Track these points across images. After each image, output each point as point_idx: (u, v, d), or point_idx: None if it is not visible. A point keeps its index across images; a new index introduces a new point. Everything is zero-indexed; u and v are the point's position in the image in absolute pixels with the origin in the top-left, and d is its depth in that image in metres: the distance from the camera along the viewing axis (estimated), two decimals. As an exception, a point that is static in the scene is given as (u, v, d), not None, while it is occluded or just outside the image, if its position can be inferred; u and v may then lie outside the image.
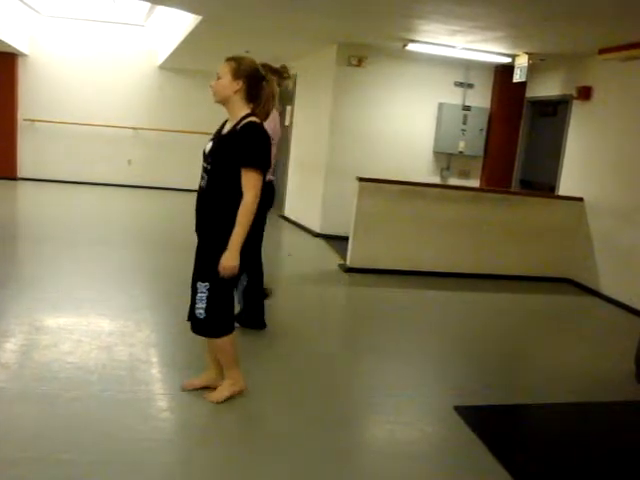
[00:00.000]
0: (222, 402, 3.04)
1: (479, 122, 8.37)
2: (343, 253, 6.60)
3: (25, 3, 10.47)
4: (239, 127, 2.76)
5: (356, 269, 6.25)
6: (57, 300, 4.60)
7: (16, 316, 4.16)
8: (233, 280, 2.89)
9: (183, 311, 4.51)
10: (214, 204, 2.85)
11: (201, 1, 6.62)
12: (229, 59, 2.87)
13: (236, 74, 2.81)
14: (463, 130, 8.33)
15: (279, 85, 3.83)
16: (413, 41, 7.07)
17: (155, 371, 3.54)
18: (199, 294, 2.88)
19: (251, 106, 2.85)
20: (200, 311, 2.89)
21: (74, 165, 11.91)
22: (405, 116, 8.24)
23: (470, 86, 8.41)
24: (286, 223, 9.37)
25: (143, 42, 11.84)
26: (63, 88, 11.80)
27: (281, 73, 3.81)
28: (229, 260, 2.74)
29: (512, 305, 5.95)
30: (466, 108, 8.33)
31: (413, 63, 8.09)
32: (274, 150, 3.86)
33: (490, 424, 3.25)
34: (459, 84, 8.38)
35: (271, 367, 3.71)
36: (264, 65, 3.67)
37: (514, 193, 7.57)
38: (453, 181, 8.42)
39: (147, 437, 2.74)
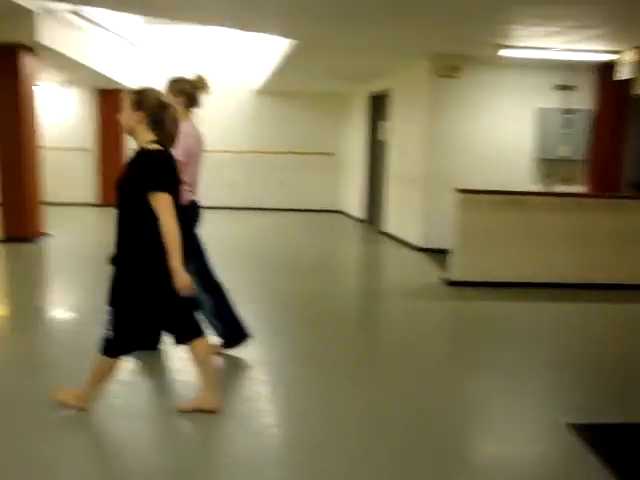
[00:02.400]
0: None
1: (581, 125, 8.05)
2: (445, 266, 6.52)
3: (131, 42, 11.16)
4: (135, 156, 2.86)
5: (459, 282, 6.15)
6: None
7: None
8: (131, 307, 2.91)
9: (286, 332, 4.66)
10: (121, 231, 2.90)
11: (295, 26, 6.81)
12: (130, 92, 2.96)
13: (136, 106, 2.87)
14: (565, 134, 8.04)
15: (195, 94, 3.95)
16: (507, 46, 6.93)
17: (264, 389, 3.62)
18: (108, 315, 2.92)
19: (156, 134, 2.88)
20: (106, 331, 2.92)
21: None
22: (502, 124, 8.07)
23: (570, 88, 8.10)
24: (386, 238, 9.37)
25: (240, 68, 12.29)
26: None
27: (195, 83, 3.91)
28: (179, 281, 2.79)
29: (627, 317, 5.63)
30: (567, 111, 8.04)
31: (508, 69, 7.92)
32: (194, 167, 3.89)
33: (611, 445, 3.05)
34: (558, 87, 8.10)
35: (374, 385, 3.70)
36: (178, 80, 3.89)
37: (626, 197, 7.19)
38: (557, 188, 8.12)
39: (257, 454, 2.81)
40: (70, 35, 8.56)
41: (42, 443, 2.80)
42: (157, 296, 2.91)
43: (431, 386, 3.70)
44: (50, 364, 3.88)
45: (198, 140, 3.89)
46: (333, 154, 12.57)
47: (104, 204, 11.55)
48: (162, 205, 2.76)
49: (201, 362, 3.11)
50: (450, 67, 7.79)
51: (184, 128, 3.71)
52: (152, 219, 2.77)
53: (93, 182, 12.07)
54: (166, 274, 2.78)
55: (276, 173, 12.57)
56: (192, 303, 3.12)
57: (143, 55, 12.15)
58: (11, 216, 7.90)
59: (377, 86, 10.29)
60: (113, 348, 2.95)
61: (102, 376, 3.01)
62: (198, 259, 3.91)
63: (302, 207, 12.54)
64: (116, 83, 11.42)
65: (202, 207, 4.04)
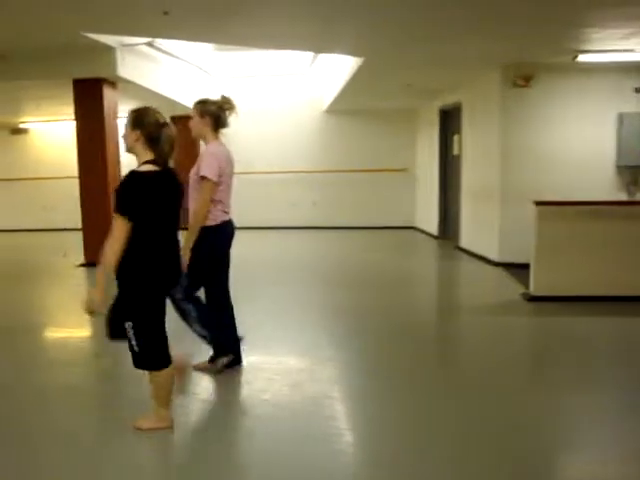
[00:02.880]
0: (142, 430, 3.12)
1: (667, 128, 7.67)
2: (525, 281, 6.32)
3: (203, 69, 11.52)
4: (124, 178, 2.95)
5: (540, 297, 5.94)
6: (248, 339, 4.88)
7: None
8: (154, 316, 3.04)
9: (366, 348, 4.63)
10: None
11: (362, 43, 6.85)
12: (129, 112, 3.03)
13: (133, 124, 2.98)
14: (649, 139, 7.69)
15: (221, 115, 3.93)
16: (583, 51, 6.72)
17: (342, 407, 3.61)
18: (129, 332, 3.00)
19: (153, 152, 2.97)
20: (135, 347, 3.03)
21: (260, 211, 12.73)
22: (580, 131, 7.79)
23: (653, 90, 7.76)
24: (462, 254, 9.20)
25: (309, 89, 12.48)
26: (242, 141, 12.71)
27: (221, 105, 3.92)
28: (90, 293, 2.89)
29: None
30: (651, 115, 7.69)
31: (584, 74, 7.66)
32: (225, 187, 3.91)
33: None
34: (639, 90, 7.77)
35: (456, 402, 3.62)
36: (204, 102, 3.93)
37: None
38: (643, 196, 7.76)
39: (339, 472, 2.80)
40: (147, 67, 8.93)
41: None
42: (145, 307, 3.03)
43: (515, 404, 3.58)
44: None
45: (227, 160, 3.95)
46: (405, 170, 12.51)
47: (186, 228, 11.87)
48: (114, 226, 2.89)
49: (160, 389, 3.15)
50: (522, 76, 7.61)
51: (211, 149, 3.86)
52: (135, 236, 2.90)
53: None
54: (145, 291, 2.97)
55: (348, 191, 12.63)
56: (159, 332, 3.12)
57: (214, 81, 12.53)
58: (92, 242, 8.26)
59: (448, 100, 10.18)
60: (153, 361, 3.07)
61: (164, 390, 3.13)
62: (220, 275, 4.06)
63: (376, 225, 12.51)
64: (190, 110, 11.77)
65: (234, 227, 4.12)
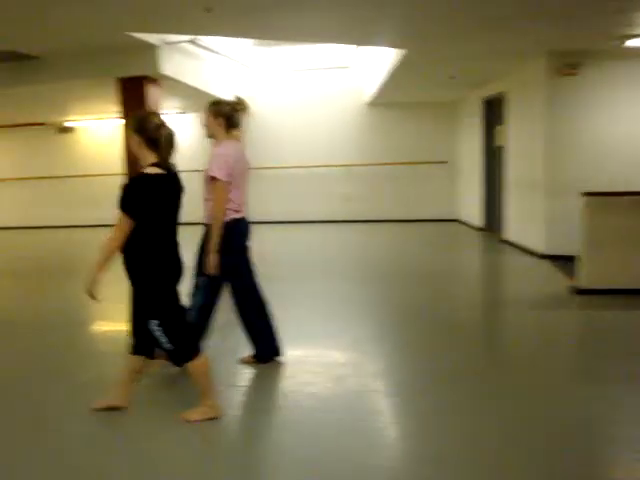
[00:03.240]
0: (192, 422, 3.20)
1: None
2: (573, 274, 6.18)
3: (244, 65, 11.60)
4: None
5: (588, 290, 5.80)
6: (291, 333, 4.91)
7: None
8: (173, 309, 3.18)
9: (409, 343, 4.60)
10: (126, 250, 3.11)
11: (404, 36, 6.79)
12: (130, 118, 3.21)
13: (135, 130, 3.12)
14: None
15: (234, 116, 3.94)
16: (632, 36, 6.51)
17: (386, 401, 3.60)
18: (156, 332, 3.13)
19: (155, 154, 3.11)
20: (167, 345, 3.15)
21: (295, 206, 12.79)
22: (631, 119, 7.57)
23: None
24: (507, 246, 9.06)
25: (350, 82, 12.43)
26: (280, 135, 12.81)
27: (234, 105, 3.96)
28: (85, 283, 3.07)
29: None
30: None
31: (635, 60, 7.43)
32: (239, 186, 3.90)
33: None
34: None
35: (502, 398, 3.56)
36: (217, 102, 3.96)
37: None
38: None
39: (381, 467, 2.79)
40: (189, 64, 9.03)
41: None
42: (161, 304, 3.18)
43: (564, 400, 3.50)
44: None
45: (240, 160, 3.97)
46: (447, 162, 12.36)
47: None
48: (117, 224, 3.05)
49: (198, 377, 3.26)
50: (569, 64, 7.43)
51: (222, 149, 3.87)
52: (141, 236, 3.07)
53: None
54: (161, 289, 3.14)
55: (389, 184, 12.55)
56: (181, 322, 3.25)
57: (255, 76, 12.60)
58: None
59: (491, 90, 10.02)
60: (186, 353, 3.19)
61: (203, 377, 3.25)
62: (244, 276, 4.09)
63: (418, 217, 12.41)
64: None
65: (250, 224, 4.13)
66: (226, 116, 3.94)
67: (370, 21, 6.14)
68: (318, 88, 12.63)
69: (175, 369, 3.68)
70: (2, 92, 9.03)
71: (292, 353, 4.38)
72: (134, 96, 8.18)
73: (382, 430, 3.18)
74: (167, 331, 3.14)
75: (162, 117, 3.21)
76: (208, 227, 3.91)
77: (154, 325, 3.13)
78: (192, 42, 8.53)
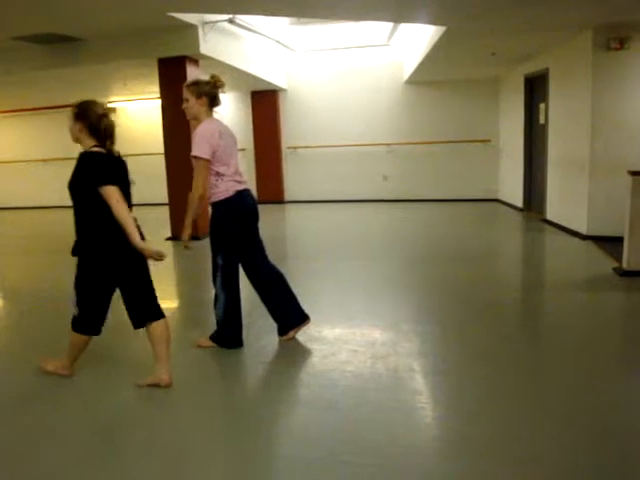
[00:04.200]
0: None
1: None
2: (617, 255, 6.05)
3: (281, 43, 11.55)
4: (79, 159, 3.27)
5: (634, 272, 5.67)
6: (331, 312, 4.95)
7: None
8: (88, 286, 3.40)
9: (449, 323, 4.57)
10: (78, 225, 3.34)
11: (443, 12, 6.65)
12: (73, 106, 3.33)
13: (75, 117, 3.30)
14: None
15: (215, 94, 3.95)
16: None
17: (426, 380, 3.59)
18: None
19: (96, 139, 3.28)
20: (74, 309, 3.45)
21: (333, 185, 12.76)
22: (681, 96, 7.31)
23: None
24: (548, 226, 8.90)
25: (388, 60, 12.28)
26: (318, 114, 12.76)
27: (214, 83, 3.96)
28: (147, 254, 3.34)
29: None
30: None
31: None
32: (227, 161, 3.90)
33: None
34: None
35: (543, 380, 3.53)
36: (197, 83, 3.95)
37: None
38: None
39: (421, 447, 2.80)
40: (227, 43, 9.04)
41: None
42: (115, 277, 3.41)
43: (606, 383, 3.45)
44: (212, 355, 4.11)
45: (224, 136, 3.96)
46: (489, 141, 12.16)
47: (261, 201, 12.07)
48: (110, 195, 3.18)
49: (157, 342, 3.50)
50: (617, 38, 7.18)
51: (201, 128, 3.89)
52: (99, 211, 3.22)
53: (252, 180, 12.66)
54: (120, 258, 3.33)
55: (429, 164, 12.41)
56: (147, 287, 3.54)
57: (293, 55, 12.55)
58: (178, 216, 8.48)
59: (533, 66, 9.78)
60: (80, 325, 3.46)
61: (76, 350, 3.55)
62: (248, 251, 4.10)
63: (458, 197, 12.26)
64: (270, 84, 11.91)
65: (251, 198, 4.11)
66: (209, 95, 3.97)
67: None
68: (357, 67, 12.51)
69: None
70: (45, 74, 9.17)
71: (331, 331, 4.42)
72: (174, 76, 8.23)
73: (422, 410, 3.18)
74: (82, 302, 3.41)
75: (105, 106, 3.37)
76: (213, 206, 3.98)
77: (74, 294, 3.40)
78: (231, 21, 8.53)
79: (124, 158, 3.47)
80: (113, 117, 3.36)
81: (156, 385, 3.48)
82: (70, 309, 3.50)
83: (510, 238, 8.79)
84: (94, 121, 3.28)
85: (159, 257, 3.31)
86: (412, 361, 3.86)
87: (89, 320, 3.48)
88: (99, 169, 3.22)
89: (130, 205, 3.38)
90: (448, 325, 4.58)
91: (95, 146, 3.29)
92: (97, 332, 3.54)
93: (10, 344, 4.62)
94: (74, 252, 3.38)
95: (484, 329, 4.47)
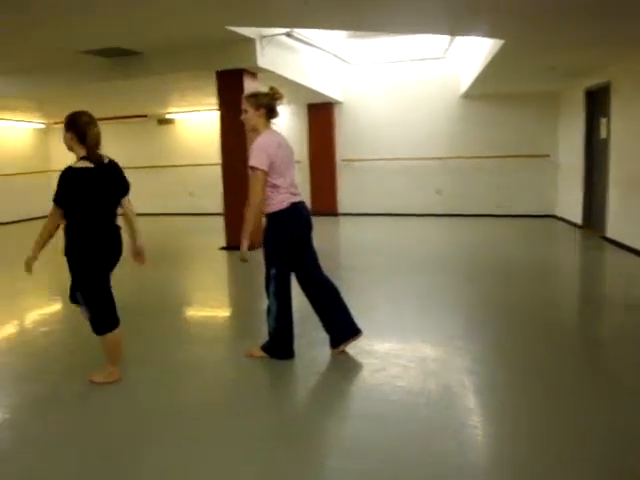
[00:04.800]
0: (95, 383, 3.75)
1: None
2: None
3: (338, 57, 11.62)
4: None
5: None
6: (382, 326, 4.92)
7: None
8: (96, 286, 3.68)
9: (503, 341, 4.48)
10: (65, 232, 3.62)
11: (502, 25, 6.57)
12: (65, 117, 3.59)
13: (66, 127, 3.57)
14: None
15: (273, 106, 4.02)
16: None
17: (477, 398, 3.53)
18: (81, 301, 3.69)
19: (85, 147, 3.53)
20: (87, 314, 3.69)
21: (386, 198, 12.72)
22: None
23: None
24: (609, 245, 8.61)
25: (444, 74, 12.20)
26: (373, 127, 12.76)
27: (273, 95, 4.04)
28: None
29: None
30: None
31: None
32: (283, 172, 3.95)
33: None
34: None
35: (597, 404, 3.41)
36: (256, 95, 4.05)
37: None
38: None
39: (468, 466, 2.75)
40: (285, 56, 9.15)
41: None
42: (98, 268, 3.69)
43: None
44: (265, 366, 4.13)
45: (281, 147, 4.00)
46: (547, 156, 11.90)
47: (314, 213, 12.12)
48: (49, 213, 3.57)
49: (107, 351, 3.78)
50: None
51: (260, 139, 3.94)
52: (71, 221, 3.57)
53: (306, 193, 12.73)
54: (88, 264, 3.61)
55: (484, 178, 12.22)
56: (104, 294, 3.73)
57: (349, 68, 12.61)
58: (233, 226, 8.65)
59: (594, 80, 9.54)
60: (100, 325, 3.69)
61: (114, 348, 3.77)
62: (301, 263, 4.13)
63: (513, 213, 12.02)
64: (326, 97, 11.99)
65: (308, 211, 4.19)
66: (268, 107, 4.02)
67: (468, 10, 5.98)
68: (412, 80, 12.46)
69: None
70: (108, 85, 9.47)
71: (383, 346, 4.40)
72: (232, 88, 8.38)
73: (472, 428, 3.13)
74: (88, 302, 3.65)
75: (92, 116, 3.62)
76: (268, 217, 4.02)
77: (79, 295, 3.66)
78: (288, 35, 8.64)
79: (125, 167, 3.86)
80: (98, 126, 3.64)
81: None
82: (83, 322, 3.78)
83: (568, 255, 8.57)
84: (82, 130, 3.54)
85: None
86: (464, 378, 3.80)
87: (104, 315, 3.71)
88: (62, 188, 3.49)
89: (114, 213, 3.76)
90: (501, 343, 4.49)
91: (83, 157, 3.54)
92: (117, 322, 3.77)
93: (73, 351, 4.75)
94: (64, 253, 3.65)
95: (539, 349, 4.35)
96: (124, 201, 3.86)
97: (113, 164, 3.73)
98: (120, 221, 3.84)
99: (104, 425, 3.29)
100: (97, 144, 3.58)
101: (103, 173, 3.61)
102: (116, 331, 3.75)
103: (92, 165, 3.54)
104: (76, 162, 3.55)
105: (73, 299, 3.77)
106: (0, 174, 13.05)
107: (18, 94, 10.16)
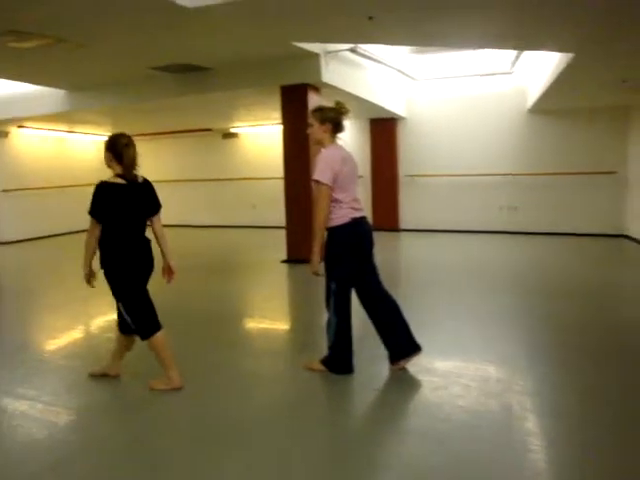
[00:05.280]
0: (155, 390, 3.90)
1: None
2: None
3: (401, 72, 11.60)
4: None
5: None
6: (444, 343, 4.84)
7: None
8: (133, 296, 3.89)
9: (570, 364, 4.33)
10: (100, 245, 3.85)
11: (572, 38, 6.42)
12: (106, 140, 3.87)
13: (105, 148, 3.83)
14: None
15: (339, 120, 4.05)
16: None
17: (541, 422, 3.43)
18: (123, 312, 3.91)
19: (121, 167, 3.79)
20: (131, 323, 3.91)
21: (449, 214, 12.56)
22: None
23: None
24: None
25: (510, 88, 11.99)
26: (436, 143, 12.65)
27: (339, 110, 4.10)
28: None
29: None
30: None
31: None
32: (347, 187, 3.97)
33: None
34: None
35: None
36: (322, 109, 4.11)
37: None
38: None
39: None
40: (348, 72, 9.21)
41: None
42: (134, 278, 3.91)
43: None
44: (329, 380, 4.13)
45: (345, 162, 4.01)
46: (616, 172, 11.51)
47: (376, 229, 12.10)
48: (88, 227, 3.81)
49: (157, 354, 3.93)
50: None
51: (324, 153, 3.98)
52: (104, 235, 3.80)
53: (368, 208, 12.72)
54: (121, 274, 3.82)
55: (549, 195, 11.91)
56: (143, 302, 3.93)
57: (412, 83, 12.56)
58: (295, 239, 8.75)
59: (670, 95, 9.20)
60: (143, 329, 3.88)
61: (162, 351, 3.91)
62: (363, 278, 4.12)
63: (580, 231, 11.66)
64: (389, 113, 11.98)
65: (370, 226, 4.19)
66: (333, 121, 4.05)
67: (536, 24, 5.88)
68: (478, 95, 12.30)
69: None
70: (176, 100, 9.76)
71: (444, 364, 4.33)
72: (296, 103, 8.50)
73: (535, 453, 3.02)
74: (129, 312, 3.86)
75: (130, 138, 3.86)
76: (329, 232, 4.02)
77: (120, 307, 3.89)
78: (352, 50, 8.70)
79: (152, 182, 4.07)
80: (135, 147, 3.88)
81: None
82: (128, 328, 3.97)
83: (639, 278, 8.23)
84: (119, 151, 3.79)
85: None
86: (527, 400, 3.70)
87: (145, 320, 3.91)
88: (95, 200, 3.75)
89: (143, 227, 3.94)
90: (567, 365, 4.35)
91: (118, 174, 3.81)
92: (159, 325, 3.95)
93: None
94: (100, 265, 3.86)
95: (609, 375, 4.17)
96: (154, 219, 4.05)
97: (146, 183, 3.98)
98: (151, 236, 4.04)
99: (162, 433, 3.37)
100: (133, 164, 3.84)
101: (134, 190, 3.85)
102: (159, 334, 3.93)
103: (124, 182, 3.79)
104: (110, 178, 3.81)
105: (122, 329, 4.05)
106: (76, 184, 13.64)
107: (93, 109, 10.59)
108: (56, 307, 6.80)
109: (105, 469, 2.97)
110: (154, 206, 4.04)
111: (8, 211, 12.89)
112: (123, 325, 4.02)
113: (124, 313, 3.89)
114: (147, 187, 3.98)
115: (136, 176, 3.89)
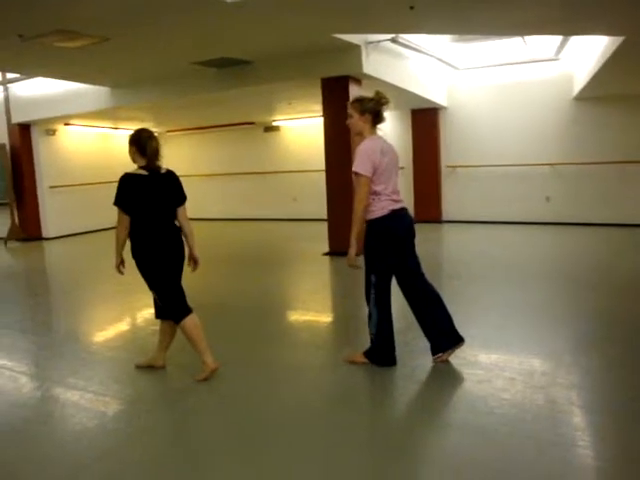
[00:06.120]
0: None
1: None
2: None
3: (443, 61, 11.44)
4: None
5: None
6: (488, 336, 4.78)
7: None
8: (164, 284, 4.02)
9: (618, 358, 4.22)
10: (130, 235, 3.96)
11: (622, 20, 6.22)
12: (131, 134, 4.01)
13: (130, 142, 3.97)
14: None
15: (379, 111, 4.03)
16: None
17: (587, 416, 3.36)
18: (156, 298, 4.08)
19: (145, 159, 3.92)
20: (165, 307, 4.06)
21: (492, 205, 12.37)
22: None
23: None
24: None
25: (555, 75, 11.70)
26: (478, 133, 12.45)
27: (378, 100, 4.03)
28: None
29: None
30: None
31: None
32: (387, 178, 3.91)
33: None
34: None
35: None
36: (362, 100, 4.05)
37: None
38: None
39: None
40: (389, 62, 9.14)
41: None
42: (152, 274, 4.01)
43: None
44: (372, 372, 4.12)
45: (385, 153, 3.96)
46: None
47: (418, 220, 11.99)
48: (117, 219, 3.90)
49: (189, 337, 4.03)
50: None
51: (364, 145, 3.93)
52: (135, 223, 3.91)
53: (410, 199, 12.62)
54: (150, 263, 3.94)
55: (597, 185, 11.59)
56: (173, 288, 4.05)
57: (454, 73, 12.38)
58: (336, 232, 8.75)
59: None
60: (175, 311, 4.01)
61: (196, 338, 3.99)
62: (404, 268, 4.08)
63: (627, 222, 11.31)
64: (431, 102, 11.85)
65: (407, 217, 4.10)
66: (373, 112, 4.01)
67: (584, 6, 5.71)
68: (521, 83, 12.05)
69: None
70: (217, 94, 9.84)
71: (487, 357, 4.28)
72: (337, 95, 8.47)
73: (581, 448, 2.96)
74: (162, 300, 4.02)
75: (151, 132, 4.00)
76: (368, 224, 3.99)
77: (154, 295, 4.05)
78: (393, 41, 8.62)
79: (178, 175, 4.17)
80: (157, 140, 4.03)
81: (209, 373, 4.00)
82: (163, 313, 4.12)
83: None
84: (143, 144, 3.93)
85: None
86: (573, 394, 3.63)
87: (177, 305, 4.04)
88: (120, 191, 3.87)
89: (170, 217, 4.05)
90: (615, 360, 4.23)
91: (142, 166, 3.94)
92: (189, 308, 4.06)
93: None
94: (132, 254, 3.97)
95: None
96: (180, 210, 4.11)
97: (170, 174, 4.07)
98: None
99: (206, 423, 3.42)
100: (156, 155, 3.96)
101: (157, 180, 3.95)
102: (191, 315, 4.03)
103: (146, 173, 3.91)
104: (134, 170, 3.94)
105: (158, 314, 4.20)
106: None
107: (135, 105, 10.77)
108: (103, 300, 6.98)
109: (149, 460, 3.03)
110: (179, 197, 4.10)
111: (54, 207, 13.25)
112: (159, 310, 4.16)
113: (158, 300, 4.06)
114: (171, 178, 4.07)
115: (159, 167, 3.99)
